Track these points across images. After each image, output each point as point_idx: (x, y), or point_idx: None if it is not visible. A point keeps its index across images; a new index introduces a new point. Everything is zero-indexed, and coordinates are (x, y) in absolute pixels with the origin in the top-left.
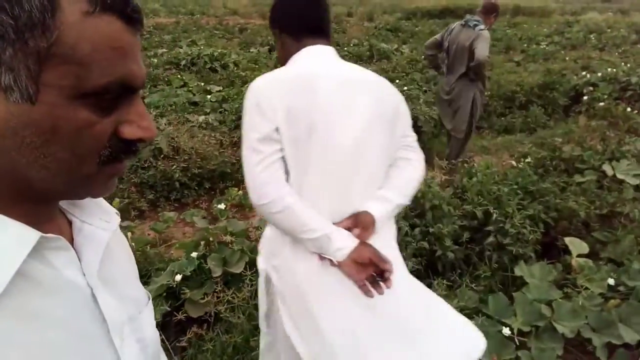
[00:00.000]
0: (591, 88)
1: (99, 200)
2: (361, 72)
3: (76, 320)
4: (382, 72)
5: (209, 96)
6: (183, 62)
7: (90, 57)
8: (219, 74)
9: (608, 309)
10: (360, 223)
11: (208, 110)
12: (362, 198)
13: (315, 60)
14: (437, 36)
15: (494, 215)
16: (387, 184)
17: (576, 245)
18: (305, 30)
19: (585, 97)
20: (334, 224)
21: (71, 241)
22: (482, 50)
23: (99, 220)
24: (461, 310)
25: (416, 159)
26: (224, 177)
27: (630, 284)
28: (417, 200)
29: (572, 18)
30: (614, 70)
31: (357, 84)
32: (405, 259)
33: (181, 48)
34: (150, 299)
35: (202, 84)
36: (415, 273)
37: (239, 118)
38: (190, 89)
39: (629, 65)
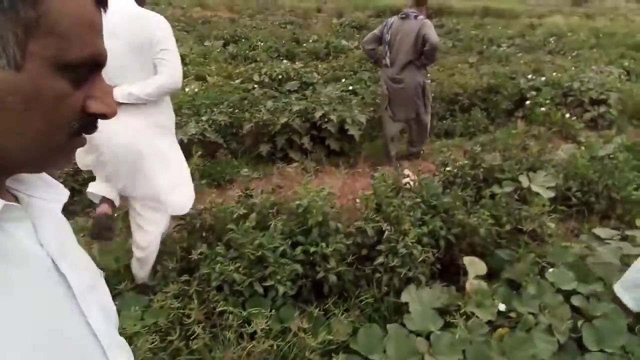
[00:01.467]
0: (534, 93)
1: (42, 176)
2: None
3: (43, 288)
4: (331, 69)
5: None
6: None
7: (71, 31)
8: None
9: (497, 337)
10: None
11: None
12: None
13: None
14: (376, 31)
15: (386, 233)
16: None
17: (475, 266)
18: None
19: (527, 102)
20: None
21: None
22: (434, 35)
23: (46, 194)
24: (327, 344)
25: (164, 71)
26: None
27: (521, 310)
28: (303, 215)
29: (538, 21)
30: (559, 75)
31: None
32: (280, 283)
33: None
34: (103, 275)
35: None
36: (291, 298)
37: None
38: None
39: (575, 69)
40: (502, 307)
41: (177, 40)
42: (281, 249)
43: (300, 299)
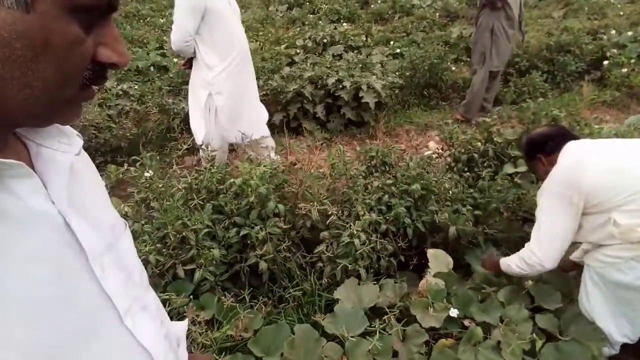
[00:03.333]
0: (615, 51)
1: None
2: None
3: (50, 251)
4: (377, 33)
5: None
6: None
7: None
8: None
9: (438, 349)
10: None
11: None
12: None
13: None
14: None
15: (331, 217)
16: None
17: (438, 260)
18: None
19: (606, 62)
20: None
21: (31, 167)
22: None
23: (58, 143)
24: (225, 340)
25: None
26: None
27: (479, 319)
28: (242, 192)
29: None
30: None
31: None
32: (201, 268)
33: None
34: (127, 226)
35: None
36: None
37: None
38: None
39: None
40: (453, 312)
41: (241, 6)
42: (204, 231)
43: (238, 285)
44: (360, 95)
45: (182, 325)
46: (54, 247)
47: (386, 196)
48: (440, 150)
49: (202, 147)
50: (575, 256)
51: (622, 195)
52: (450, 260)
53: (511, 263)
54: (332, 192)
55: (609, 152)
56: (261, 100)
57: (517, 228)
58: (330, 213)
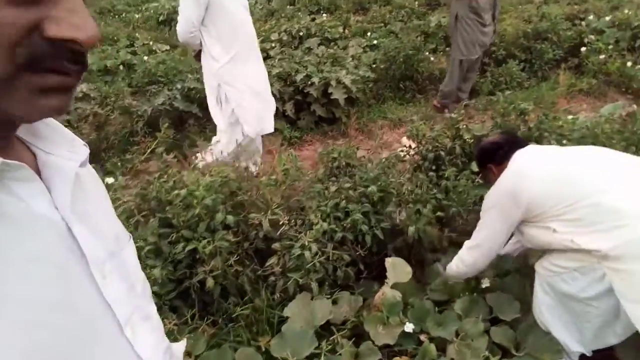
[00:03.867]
0: (593, 37)
1: (63, 131)
2: None
3: (51, 255)
4: (355, 24)
5: None
6: None
7: None
8: None
9: None
10: None
11: None
12: None
13: None
14: None
15: (282, 227)
16: None
17: (397, 269)
18: None
19: (583, 49)
20: None
21: (38, 174)
22: None
23: (66, 152)
24: None
25: None
26: None
27: (435, 334)
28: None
29: None
30: (629, 12)
31: None
32: None
33: None
34: (131, 238)
35: None
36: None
37: None
38: None
39: None
40: (409, 327)
41: None
42: (147, 248)
43: (189, 303)
44: (329, 91)
45: (180, 346)
46: (55, 251)
47: (344, 201)
48: (408, 148)
49: (215, 141)
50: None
51: (561, 204)
52: (409, 269)
53: (454, 265)
54: (287, 200)
55: (551, 161)
56: None
57: None
58: (281, 223)
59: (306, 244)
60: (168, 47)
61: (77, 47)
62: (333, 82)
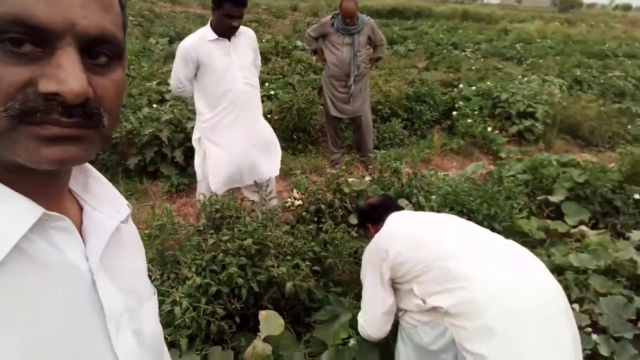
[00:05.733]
0: (462, 103)
1: (110, 189)
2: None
3: (73, 304)
4: (262, 73)
5: None
6: None
7: None
8: None
9: None
10: None
11: None
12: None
13: None
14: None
15: (155, 282)
16: None
17: (270, 321)
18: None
19: (455, 113)
20: None
21: (80, 226)
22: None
23: (110, 209)
24: None
25: None
26: None
27: None
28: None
29: (518, 25)
30: (490, 84)
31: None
32: None
33: None
34: (156, 293)
35: None
36: None
37: None
38: None
39: (522, 77)
40: None
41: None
42: None
43: None
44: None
45: None
46: (75, 300)
47: (221, 254)
48: (293, 199)
49: (199, 194)
50: None
51: (418, 267)
52: (282, 321)
53: (360, 329)
54: (161, 253)
55: (415, 226)
56: (114, 143)
57: (358, 282)
58: (153, 278)
59: (177, 299)
60: None
61: (64, 100)
62: None
